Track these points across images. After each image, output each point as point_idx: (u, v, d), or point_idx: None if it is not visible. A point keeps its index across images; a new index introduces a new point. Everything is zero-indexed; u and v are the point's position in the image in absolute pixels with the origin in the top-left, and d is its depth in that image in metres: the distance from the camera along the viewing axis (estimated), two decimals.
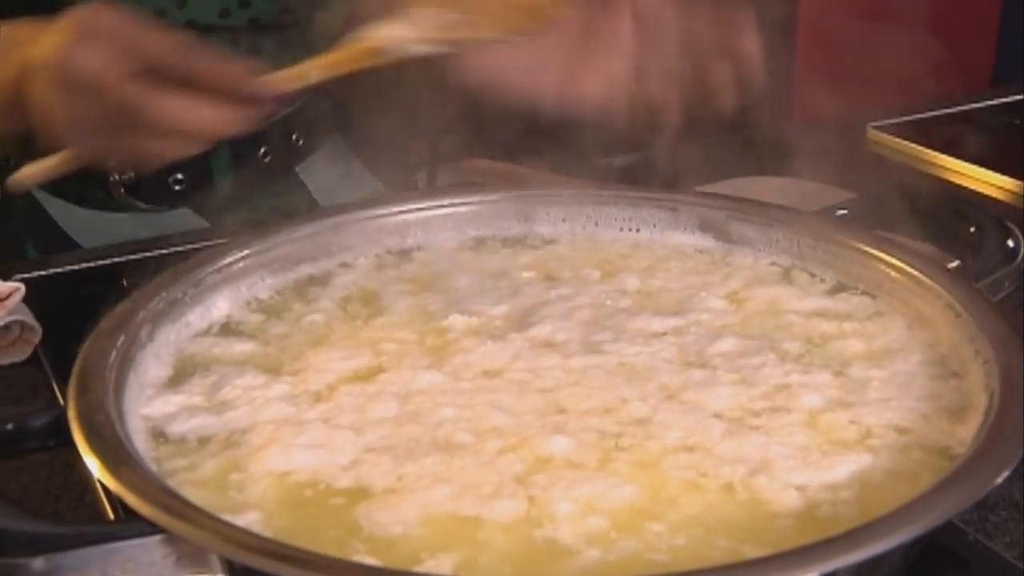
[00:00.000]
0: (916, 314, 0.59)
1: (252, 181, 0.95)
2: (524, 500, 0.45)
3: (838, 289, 0.62)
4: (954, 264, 0.64)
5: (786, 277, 0.64)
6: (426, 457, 0.47)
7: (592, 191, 0.70)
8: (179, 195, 0.93)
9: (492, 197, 0.69)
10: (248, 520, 0.44)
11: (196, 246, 0.81)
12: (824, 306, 0.61)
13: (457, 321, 0.59)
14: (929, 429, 0.50)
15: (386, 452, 0.48)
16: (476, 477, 0.46)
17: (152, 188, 0.92)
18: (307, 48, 0.91)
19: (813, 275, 0.64)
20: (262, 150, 0.95)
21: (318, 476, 0.47)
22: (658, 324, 0.59)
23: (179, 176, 0.92)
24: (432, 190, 0.71)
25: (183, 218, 0.94)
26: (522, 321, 0.60)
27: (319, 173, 1.00)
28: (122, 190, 0.91)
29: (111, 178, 0.91)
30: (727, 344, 0.57)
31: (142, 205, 0.93)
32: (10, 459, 0.47)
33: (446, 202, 0.69)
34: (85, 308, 0.59)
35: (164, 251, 0.85)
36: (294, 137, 0.98)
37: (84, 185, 0.91)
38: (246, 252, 0.62)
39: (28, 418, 0.48)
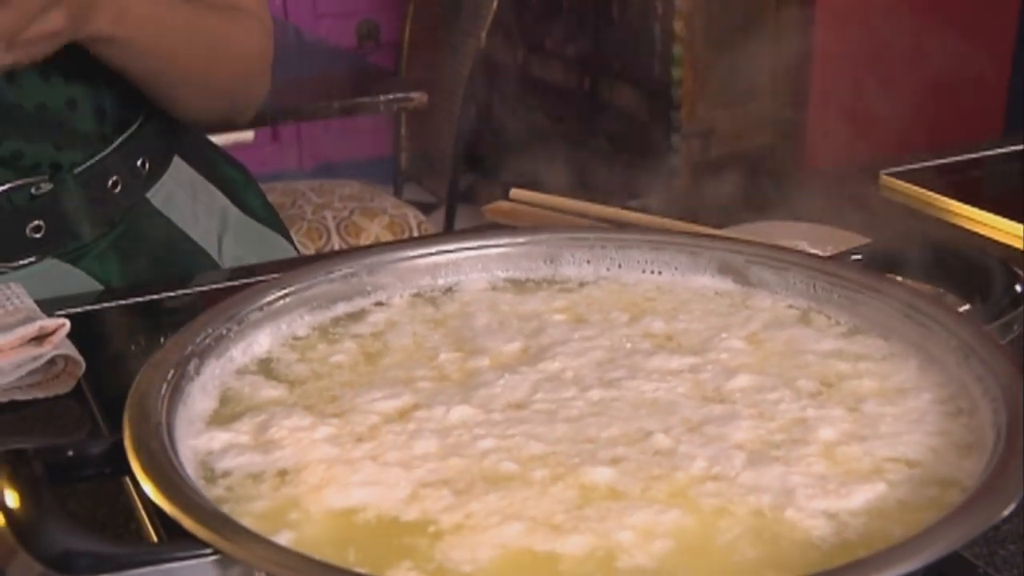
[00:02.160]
0: (927, 355, 0.61)
1: (109, 217, 0.94)
2: (588, 532, 0.47)
3: (854, 332, 0.65)
4: (964, 308, 0.67)
5: (804, 319, 0.67)
6: (486, 494, 0.50)
7: (615, 235, 0.72)
8: (39, 244, 0.91)
9: (519, 239, 0.72)
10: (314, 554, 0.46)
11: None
12: (840, 347, 0.63)
13: (475, 358, 0.62)
14: (939, 463, 0.52)
15: (442, 486, 0.50)
16: (538, 510, 0.49)
17: (11, 242, 0.90)
18: None
19: (829, 318, 0.66)
20: (110, 181, 0.94)
21: (382, 511, 0.49)
22: (675, 363, 0.62)
23: (36, 223, 0.91)
24: (461, 234, 0.74)
25: (54, 270, 0.92)
26: (537, 356, 0.62)
27: (170, 197, 1.00)
28: None
29: None
30: (744, 381, 0.60)
31: (3, 268, 0.90)
32: (66, 484, 0.50)
33: (476, 244, 0.72)
34: None
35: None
36: (138, 163, 0.96)
37: None
38: (286, 291, 0.65)
39: (87, 446, 0.51)
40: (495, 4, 2.33)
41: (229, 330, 0.62)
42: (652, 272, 0.72)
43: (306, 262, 0.74)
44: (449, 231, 0.87)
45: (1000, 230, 0.99)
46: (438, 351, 0.63)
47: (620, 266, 0.72)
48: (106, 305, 0.89)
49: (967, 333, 0.59)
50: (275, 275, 0.67)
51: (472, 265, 0.71)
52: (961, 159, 1.14)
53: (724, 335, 0.65)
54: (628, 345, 0.64)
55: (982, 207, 1.02)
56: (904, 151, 1.15)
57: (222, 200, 1.06)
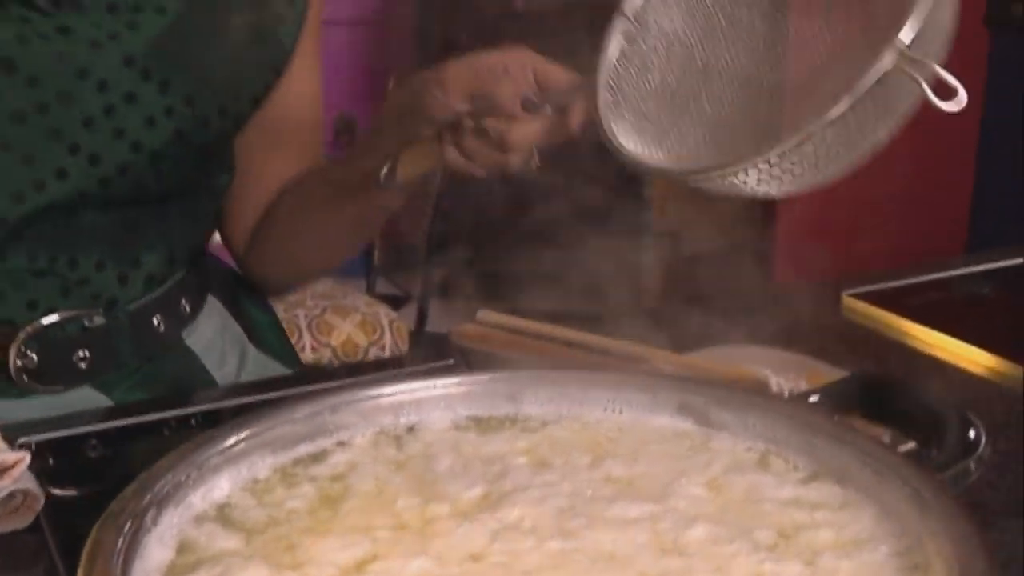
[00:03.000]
0: (883, 505, 0.62)
1: (149, 353, 0.96)
2: None
3: (812, 478, 0.65)
4: (909, 446, 0.68)
5: (763, 463, 0.67)
6: None
7: (576, 373, 0.73)
8: (83, 374, 0.93)
9: (482, 378, 0.73)
10: None
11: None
12: (798, 495, 0.64)
13: (435, 504, 0.62)
14: None
15: None
16: None
17: (57, 369, 0.92)
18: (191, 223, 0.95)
19: (788, 461, 0.67)
20: (155, 319, 0.96)
21: None
22: (635, 511, 0.62)
23: (83, 354, 0.92)
24: (425, 371, 0.74)
25: (84, 396, 0.94)
26: (497, 503, 0.63)
27: (201, 335, 1.02)
28: (24, 377, 0.90)
29: (13, 364, 0.90)
30: (702, 531, 0.60)
31: (42, 387, 0.91)
32: None
33: (438, 383, 0.72)
34: None
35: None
36: (182, 303, 0.99)
37: None
38: (247, 433, 0.66)
39: None
40: None
41: (188, 476, 0.62)
42: (614, 411, 0.72)
43: (270, 401, 0.74)
44: (411, 368, 0.86)
45: (960, 355, 1.00)
46: (398, 496, 0.64)
47: (582, 404, 0.73)
48: (75, 431, 0.88)
49: (921, 484, 0.60)
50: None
51: (435, 403, 0.72)
52: (924, 279, 1.16)
53: (684, 480, 0.65)
54: (589, 491, 0.64)
55: (943, 331, 1.03)
56: (868, 263, 1.17)
57: (243, 338, 1.08)
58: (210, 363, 1.02)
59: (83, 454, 0.85)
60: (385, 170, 0.89)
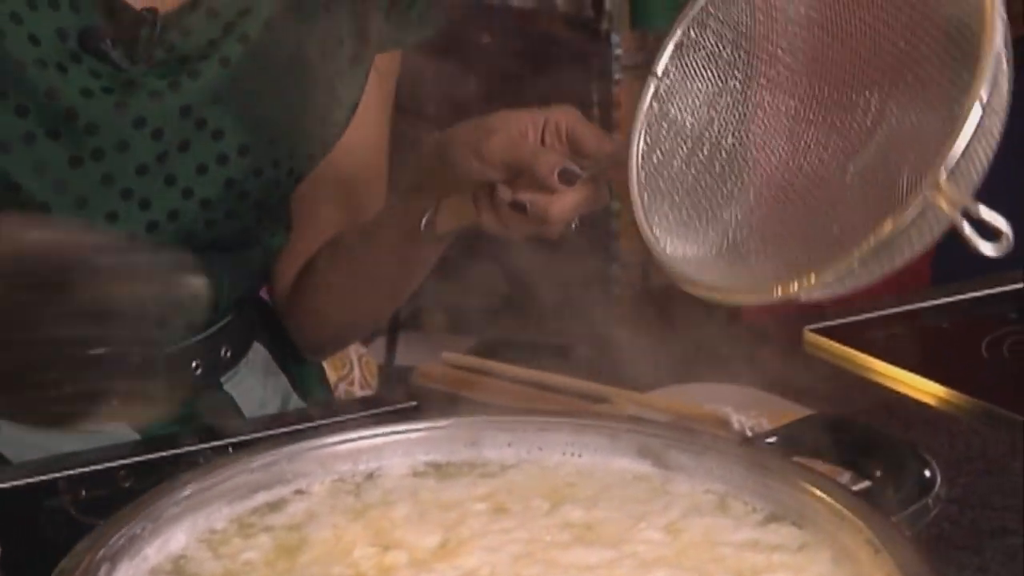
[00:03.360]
0: (840, 547, 0.62)
1: (182, 396, 0.95)
2: None
3: (770, 519, 0.66)
4: (863, 485, 0.68)
5: (721, 506, 0.68)
6: None
7: (535, 417, 0.73)
8: (116, 413, 0.88)
9: (441, 424, 0.73)
10: None
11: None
12: (756, 538, 0.64)
13: (393, 553, 0.62)
14: None
15: None
16: None
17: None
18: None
19: (746, 503, 0.67)
20: (193, 364, 0.96)
21: None
22: (593, 557, 0.62)
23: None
24: (384, 417, 0.74)
25: (115, 431, 0.93)
26: (454, 551, 0.62)
27: (240, 381, 1.02)
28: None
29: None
30: None
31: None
32: None
33: (397, 428, 0.72)
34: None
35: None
36: (223, 350, 0.99)
37: (19, 404, 0.89)
38: (204, 483, 0.65)
39: None
40: None
41: (144, 528, 0.61)
42: (573, 455, 0.72)
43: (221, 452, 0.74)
44: (371, 412, 0.86)
45: (920, 390, 1.01)
46: (355, 545, 0.63)
47: (541, 448, 0.73)
48: (39, 479, 0.87)
49: (875, 525, 0.60)
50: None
51: (394, 450, 0.72)
52: (885, 313, 1.16)
53: (643, 524, 0.65)
54: (548, 538, 0.64)
55: (903, 366, 1.04)
56: (829, 305, 1.17)
57: (288, 387, 1.07)
58: (247, 409, 1.01)
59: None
60: (424, 221, 0.87)
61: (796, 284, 0.64)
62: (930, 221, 0.62)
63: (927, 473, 0.66)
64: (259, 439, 0.76)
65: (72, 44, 0.83)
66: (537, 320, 1.03)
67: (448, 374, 0.98)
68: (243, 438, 0.81)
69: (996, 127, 0.62)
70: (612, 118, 2.59)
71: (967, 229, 0.59)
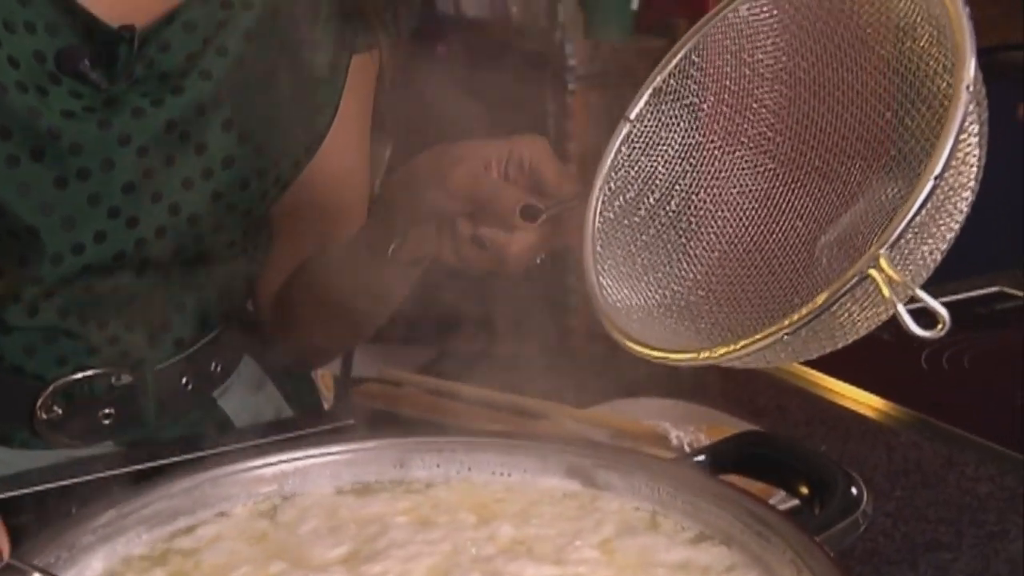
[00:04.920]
0: (766, 566, 0.61)
1: (174, 412, 0.96)
2: None
3: (700, 539, 0.65)
4: (792, 504, 0.68)
5: (653, 523, 0.67)
6: None
7: (464, 438, 0.73)
8: (106, 430, 0.93)
9: (368, 445, 0.72)
10: None
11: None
12: (688, 557, 0.64)
13: (292, 569, 0.61)
14: None
15: None
16: None
17: (81, 425, 0.92)
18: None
19: (676, 522, 0.67)
20: (184, 380, 0.96)
21: None
22: (531, 571, 0.61)
23: (108, 411, 0.93)
24: (309, 439, 0.73)
25: (104, 451, 0.93)
26: (363, 561, 0.62)
27: (233, 395, 1.02)
28: (48, 430, 0.91)
29: (38, 417, 0.90)
30: None
31: (66, 440, 0.92)
32: None
33: (323, 451, 0.71)
34: None
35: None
36: (213, 365, 0.99)
37: (7, 426, 0.91)
38: (123, 510, 0.64)
39: None
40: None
41: (58, 558, 0.60)
42: (502, 474, 0.72)
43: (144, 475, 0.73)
44: (299, 433, 0.85)
45: (860, 402, 1.01)
46: (243, 564, 0.62)
47: (470, 469, 0.72)
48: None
49: (800, 545, 0.60)
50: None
51: (320, 472, 0.71)
52: None
53: (578, 542, 0.65)
54: (473, 550, 0.64)
55: (842, 378, 1.04)
56: None
57: (280, 400, 1.07)
58: (240, 423, 1.00)
59: None
60: (393, 246, 0.86)
61: (723, 350, 0.62)
62: (874, 299, 0.59)
63: (854, 491, 0.66)
64: (177, 463, 0.75)
65: (50, 66, 0.82)
66: (491, 333, 1.03)
67: (386, 392, 0.98)
68: (162, 462, 0.80)
69: (961, 206, 0.60)
70: (566, 128, 2.59)
71: (901, 310, 0.56)
